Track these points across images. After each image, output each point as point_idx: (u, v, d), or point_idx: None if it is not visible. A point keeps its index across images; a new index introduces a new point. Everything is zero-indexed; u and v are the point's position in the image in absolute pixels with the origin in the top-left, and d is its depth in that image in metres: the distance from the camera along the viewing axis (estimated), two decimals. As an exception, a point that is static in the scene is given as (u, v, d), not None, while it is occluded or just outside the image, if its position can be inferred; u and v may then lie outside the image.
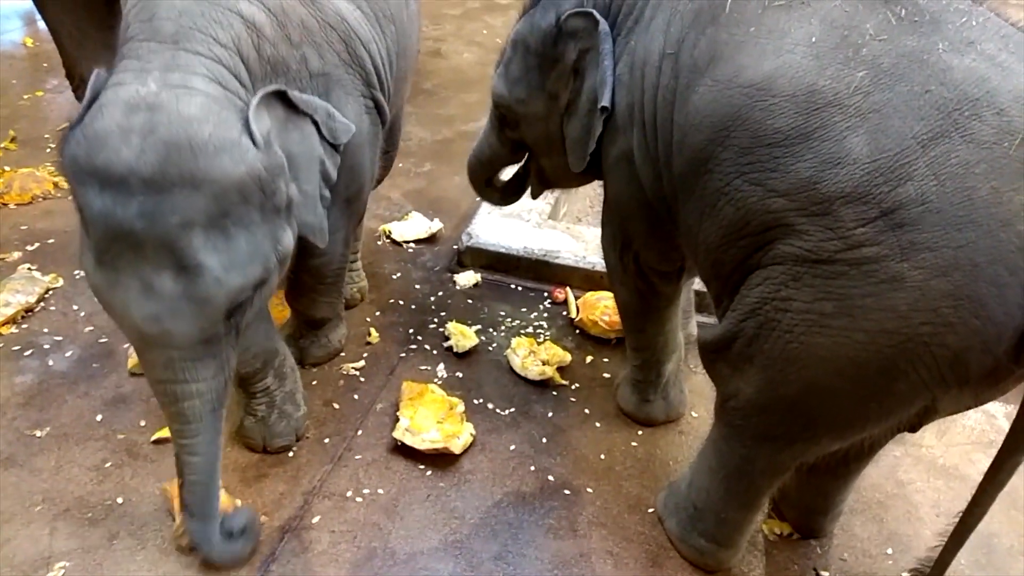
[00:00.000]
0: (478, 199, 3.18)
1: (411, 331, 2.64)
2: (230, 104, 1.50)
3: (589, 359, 2.55)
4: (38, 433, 2.20)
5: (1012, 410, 2.43)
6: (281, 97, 1.62)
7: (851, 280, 1.33)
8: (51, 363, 2.43)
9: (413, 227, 3.11)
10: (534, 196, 2.39)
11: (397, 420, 2.23)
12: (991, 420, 2.40)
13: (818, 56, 1.39)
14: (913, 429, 1.57)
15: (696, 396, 2.41)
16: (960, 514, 1.58)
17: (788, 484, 1.88)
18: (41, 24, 4.44)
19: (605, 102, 1.80)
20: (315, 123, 1.70)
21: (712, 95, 1.51)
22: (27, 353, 2.46)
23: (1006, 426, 2.35)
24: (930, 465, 2.24)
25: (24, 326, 2.57)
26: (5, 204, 3.14)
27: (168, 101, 1.42)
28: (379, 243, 3.06)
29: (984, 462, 2.23)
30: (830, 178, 1.33)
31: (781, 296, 1.44)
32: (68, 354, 2.46)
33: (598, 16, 1.82)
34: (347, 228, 2.16)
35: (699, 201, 1.59)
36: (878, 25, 1.38)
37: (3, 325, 2.55)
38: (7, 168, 3.32)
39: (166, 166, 1.38)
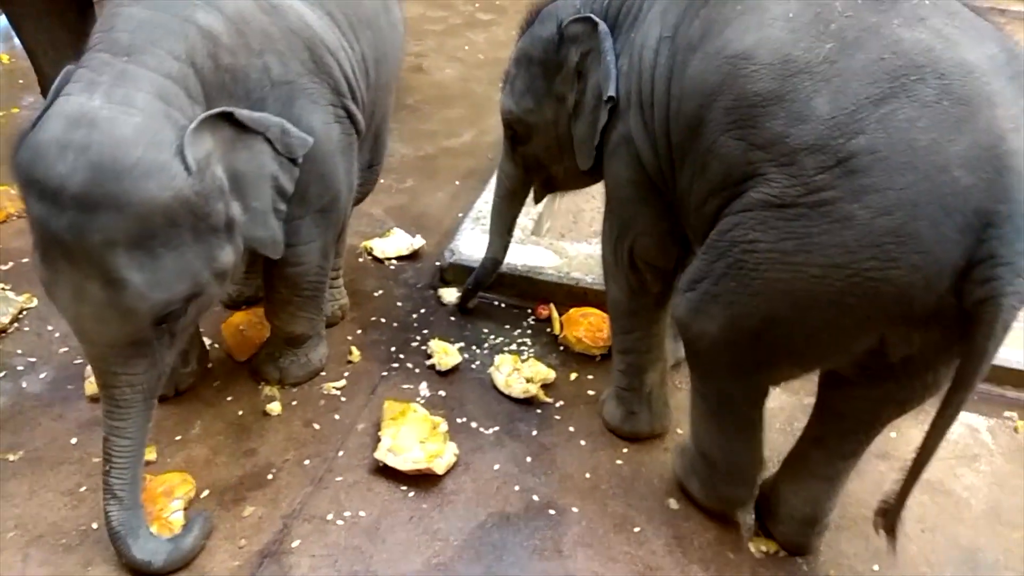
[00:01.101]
0: (460, 215, 3.18)
1: (393, 349, 2.61)
2: (169, 124, 1.55)
3: (573, 376, 2.54)
4: (11, 457, 2.15)
5: (994, 423, 2.46)
6: (228, 118, 1.63)
7: (810, 220, 1.51)
8: (24, 385, 2.38)
9: (395, 243, 3.08)
10: (537, 201, 2.60)
11: (379, 440, 2.19)
12: (975, 434, 2.40)
13: (793, 30, 1.58)
14: (878, 377, 1.70)
15: (682, 413, 2.39)
16: (915, 452, 1.70)
17: (774, 498, 2.02)
18: (17, 41, 4.39)
19: (611, 92, 1.94)
20: (268, 140, 1.72)
21: (703, 65, 1.69)
22: (1, 375, 2.41)
23: (989, 440, 2.37)
24: (915, 480, 2.24)
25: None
26: (-20, 223, 3.09)
27: (106, 119, 1.49)
28: (360, 260, 3.04)
29: (968, 476, 2.25)
30: (796, 132, 1.52)
31: (749, 239, 1.61)
32: (42, 376, 2.41)
33: (597, 19, 1.98)
34: (323, 239, 2.14)
35: (692, 164, 1.76)
36: (845, 3, 1.57)
37: (-25, 347, 2.50)
38: (-18, 187, 3.27)
39: (92, 187, 1.46)
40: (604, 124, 1.98)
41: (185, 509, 2.00)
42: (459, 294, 2.81)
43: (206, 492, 2.08)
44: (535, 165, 2.38)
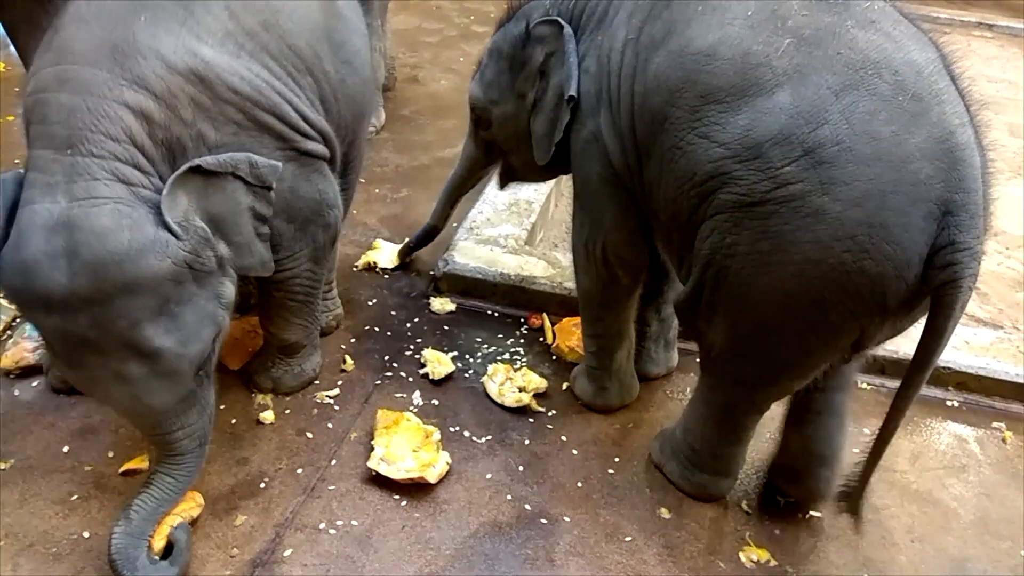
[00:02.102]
0: (455, 225, 3.20)
1: (387, 358, 2.62)
2: (138, 201, 1.61)
3: (566, 385, 2.55)
4: (2, 466, 2.15)
5: (983, 434, 2.48)
6: (196, 170, 1.68)
7: (781, 218, 1.56)
8: (17, 393, 2.38)
9: (391, 253, 3.08)
10: (500, 187, 2.66)
11: (372, 449, 2.20)
12: (963, 445, 2.42)
13: (752, 27, 1.64)
14: (845, 361, 1.83)
15: (659, 408, 2.43)
16: (879, 429, 1.79)
17: (790, 457, 2.09)
18: (12, 49, 4.40)
19: (572, 91, 2.01)
20: (239, 176, 1.77)
21: (667, 63, 1.75)
22: (-8, 384, 2.41)
23: (977, 451, 2.39)
24: (903, 490, 2.26)
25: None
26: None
27: (80, 218, 1.54)
28: (354, 269, 3.04)
29: (957, 487, 2.27)
30: (760, 125, 1.57)
31: (727, 243, 1.66)
32: (35, 384, 2.41)
33: (563, 23, 2.05)
34: (312, 245, 2.15)
35: (658, 159, 1.81)
36: (801, 3, 1.65)
37: (-33, 354, 2.49)
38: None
39: (100, 283, 1.53)
40: (569, 123, 2.05)
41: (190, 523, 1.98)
42: (452, 302, 2.86)
43: (198, 501, 2.08)
44: (495, 150, 2.47)
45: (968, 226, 1.51)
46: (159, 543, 1.87)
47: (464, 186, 2.72)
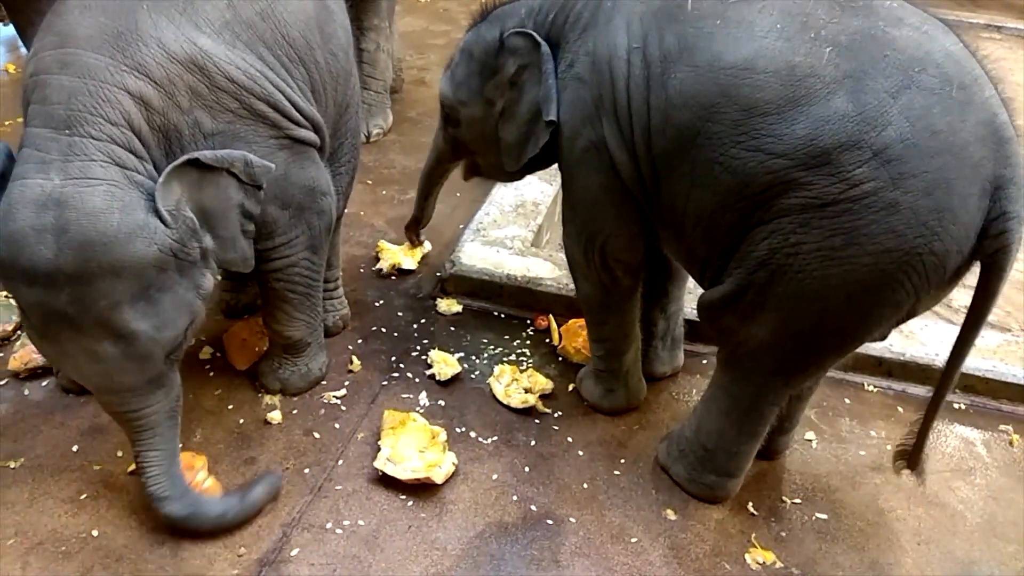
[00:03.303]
0: (461, 226, 3.21)
1: (393, 359, 2.62)
2: (131, 185, 1.64)
3: (572, 387, 2.55)
4: (12, 464, 2.16)
5: (990, 436, 2.47)
6: (193, 163, 1.71)
7: (855, 214, 1.63)
8: (27, 392, 2.40)
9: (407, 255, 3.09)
10: (465, 178, 2.66)
11: (378, 449, 2.21)
12: (970, 447, 2.42)
13: (788, 39, 1.68)
14: (883, 336, 1.92)
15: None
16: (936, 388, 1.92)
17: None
18: (23, 51, 4.43)
19: (551, 116, 2.03)
20: (233, 173, 1.81)
21: (695, 78, 1.75)
22: (2, 383, 2.43)
23: (984, 453, 2.39)
24: (910, 493, 2.25)
25: (0, 355, 2.53)
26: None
27: (73, 196, 1.56)
28: (361, 270, 3.06)
29: (964, 489, 2.27)
30: (826, 133, 1.62)
31: (791, 243, 1.71)
32: (44, 383, 2.43)
33: (538, 39, 2.04)
34: (308, 233, 2.17)
35: (688, 174, 1.82)
36: (827, 11, 1.69)
37: (-22, 354, 2.51)
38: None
39: (85, 261, 1.56)
40: (556, 131, 2.05)
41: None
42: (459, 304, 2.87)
43: (206, 500, 2.09)
44: (462, 147, 2.48)
45: (1016, 196, 1.64)
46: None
47: (433, 177, 2.72)
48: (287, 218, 2.08)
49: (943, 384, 1.89)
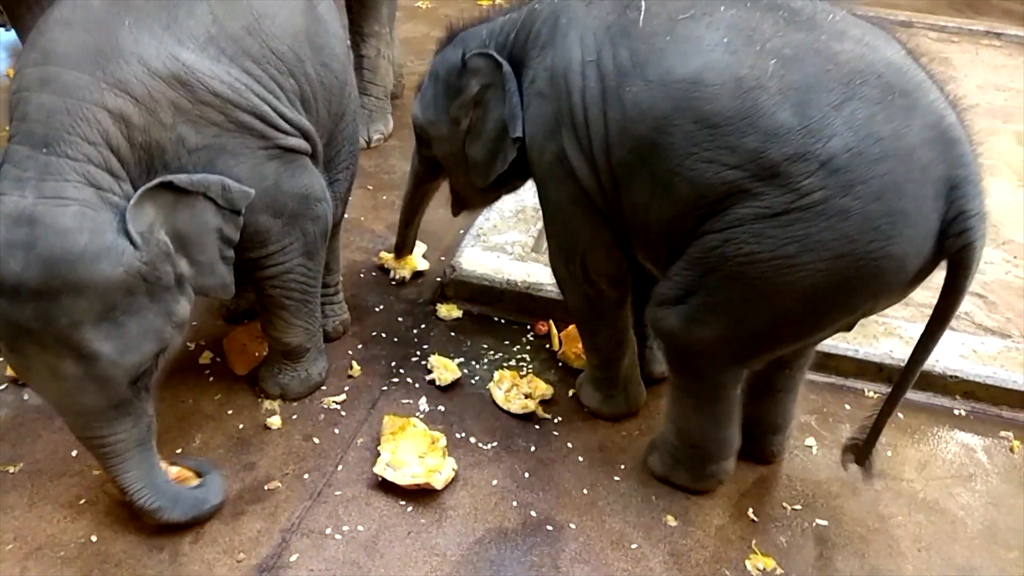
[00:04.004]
0: (462, 231, 3.21)
1: (393, 364, 2.62)
2: (104, 206, 1.65)
3: (572, 392, 2.55)
4: (11, 469, 2.16)
5: (990, 443, 2.47)
6: (167, 186, 1.72)
7: (807, 222, 1.66)
8: (26, 397, 2.39)
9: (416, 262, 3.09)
10: (454, 214, 2.72)
11: (378, 455, 2.21)
12: (971, 454, 2.41)
13: (734, 52, 1.72)
14: (849, 328, 1.96)
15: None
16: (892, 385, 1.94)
17: (752, 427, 2.21)
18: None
19: (517, 133, 2.07)
20: (209, 198, 1.80)
21: (648, 92, 1.79)
22: (1, 387, 2.42)
23: (985, 460, 2.38)
24: (911, 499, 2.25)
25: (0, 359, 2.53)
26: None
27: (45, 214, 1.59)
28: (361, 275, 3.06)
29: (964, 496, 2.26)
30: (775, 146, 1.66)
31: (744, 252, 1.74)
32: (44, 388, 2.43)
33: (499, 59, 2.08)
34: (303, 239, 2.16)
35: (648, 182, 1.85)
36: (771, 26, 1.74)
37: (-22, 359, 2.51)
38: (-13, 199, 3.29)
39: (49, 278, 1.57)
40: (522, 148, 2.09)
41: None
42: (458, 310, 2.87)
43: (205, 505, 2.09)
44: (437, 168, 2.53)
45: (972, 194, 1.67)
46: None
47: (414, 201, 2.76)
48: (280, 226, 2.08)
49: (903, 380, 1.91)
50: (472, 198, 2.60)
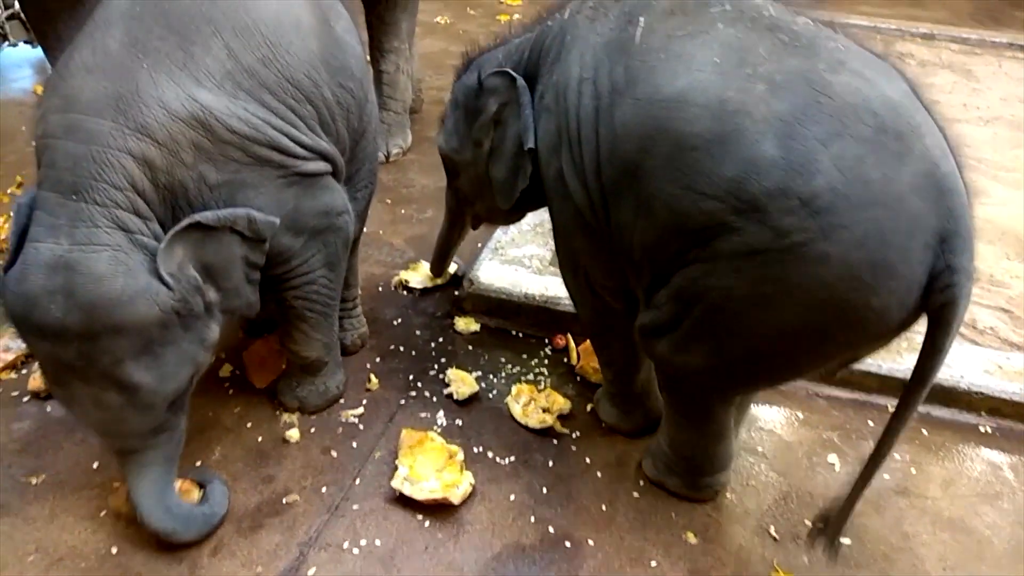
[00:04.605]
0: (480, 245, 3.21)
1: (411, 377, 2.63)
2: (135, 248, 1.72)
3: (590, 407, 2.53)
4: (33, 480, 2.18)
5: (1017, 460, 2.42)
6: (195, 225, 1.78)
7: (786, 264, 1.60)
8: (49, 409, 2.42)
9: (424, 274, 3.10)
10: (473, 227, 2.73)
11: (396, 469, 2.20)
12: (996, 472, 2.37)
13: (723, 73, 1.65)
14: (833, 374, 2.00)
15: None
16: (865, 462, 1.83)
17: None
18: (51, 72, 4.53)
19: (530, 143, 2.05)
20: (236, 231, 1.86)
21: (635, 111, 1.75)
22: (25, 399, 2.45)
23: (1012, 478, 2.34)
24: (936, 517, 2.21)
25: (24, 372, 2.56)
26: (9, 249, 3.16)
27: (80, 261, 1.66)
28: (379, 289, 3.07)
29: (991, 514, 2.22)
30: (754, 180, 1.58)
31: (724, 285, 1.69)
32: (66, 400, 2.45)
33: (514, 75, 2.08)
34: (324, 251, 2.18)
35: (632, 203, 1.81)
36: (768, 49, 1.67)
37: (3, 371, 2.54)
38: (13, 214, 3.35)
39: (90, 322, 1.65)
40: (536, 163, 2.08)
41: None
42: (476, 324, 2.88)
43: (225, 518, 2.09)
44: (465, 199, 2.53)
45: (962, 249, 1.59)
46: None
47: (451, 237, 2.77)
48: (302, 243, 2.10)
49: (883, 444, 1.79)
50: (498, 219, 2.61)
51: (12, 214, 1.77)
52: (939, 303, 1.60)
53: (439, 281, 3.09)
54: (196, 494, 2.08)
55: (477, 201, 2.48)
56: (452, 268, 3.09)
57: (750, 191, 1.58)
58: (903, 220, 1.55)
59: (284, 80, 1.94)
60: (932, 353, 1.66)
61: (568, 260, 2.20)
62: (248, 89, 1.87)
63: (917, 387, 1.70)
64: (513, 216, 2.52)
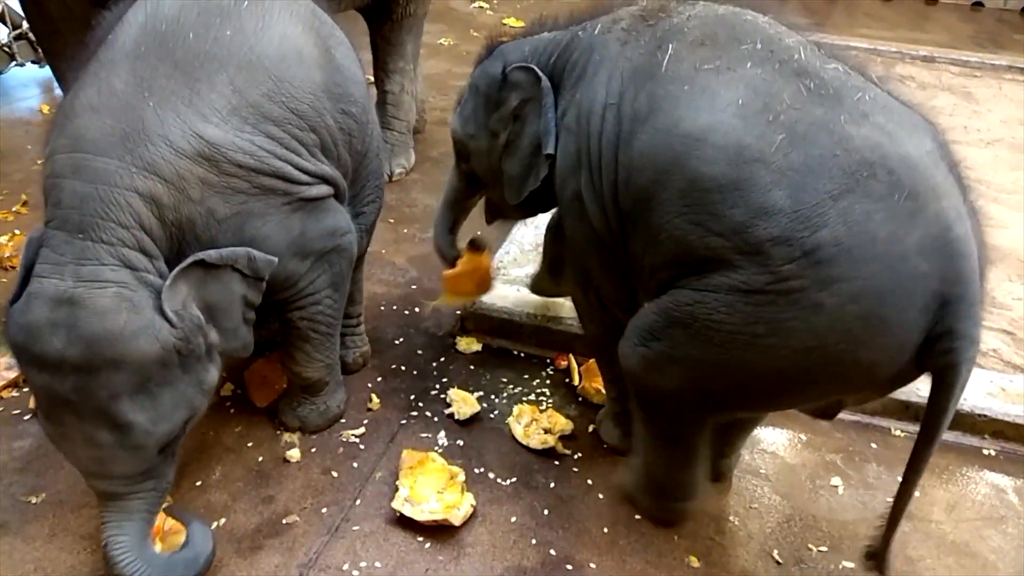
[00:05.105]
0: (482, 265, 3.21)
1: (412, 397, 2.62)
2: (140, 285, 1.72)
3: (592, 428, 2.52)
4: (33, 500, 2.18)
5: (1021, 484, 2.41)
6: (198, 263, 1.78)
7: (779, 307, 1.60)
8: (50, 428, 2.41)
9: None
10: (487, 222, 2.69)
11: (396, 490, 2.19)
12: (1001, 495, 2.35)
13: (745, 117, 1.65)
14: (827, 416, 1.92)
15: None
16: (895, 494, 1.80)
17: (718, 464, 2.24)
18: (58, 92, 4.55)
19: (550, 150, 2.05)
20: (236, 269, 1.86)
21: (654, 141, 1.76)
22: (27, 417, 2.45)
23: (1016, 501, 2.32)
24: (940, 541, 2.19)
25: (25, 390, 2.55)
26: (15, 267, 3.17)
27: (84, 296, 1.66)
28: (381, 308, 3.07)
29: (996, 538, 2.20)
30: (761, 225, 1.59)
31: (714, 319, 1.69)
32: (67, 418, 2.44)
33: (540, 73, 2.07)
34: (330, 272, 2.19)
35: (644, 233, 1.82)
36: (792, 95, 1.66)
37: (4, 389, 2.54)
38: (17, 231, 3.36)
39: (90, 355, 1.64)
40: (550, 177, 2.09)
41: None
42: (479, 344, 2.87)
43: (223, 538, 2.08)
44: (476, 182, 2.52)
45: (965, 315, 1.58)
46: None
47: (452, 215, 2.67)
48: (308, 266, 2.11)
49: (901, 498, 1.78)
50: (508, 213, 2.60)
51: (23, 248, 1.77)
52: (939, 365, 1.61)
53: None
54: (182, 537, 1.95)
55: (488, 188, 2.48)
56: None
57: (756, 235, 1.60)
58: (904, 279, 1.55)
59: (288, 111, 1.96)
60: (935, 413, 1.67)
61: (579, 276, 2.20)
62: (253, 123, 1.89)
63: (924, 446, 1.71)
64: (524, 212, 2.50)
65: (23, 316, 1.67)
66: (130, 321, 1.67)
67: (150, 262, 1.77)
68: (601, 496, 2.29)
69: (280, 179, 1.95)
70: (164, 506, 2.03)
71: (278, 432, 2.44)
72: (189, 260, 1.77)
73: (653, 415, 2.02)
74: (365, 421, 2.51)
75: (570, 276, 2.26)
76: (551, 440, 2.42)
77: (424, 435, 2.47)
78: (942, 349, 1.59)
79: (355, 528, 2.14)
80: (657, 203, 1.75)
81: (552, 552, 2.11)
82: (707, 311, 1.70)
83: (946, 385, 1.63)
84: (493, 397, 2.63)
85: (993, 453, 2.50)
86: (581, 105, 1.96)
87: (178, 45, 1.84)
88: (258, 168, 1.89)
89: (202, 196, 1.81)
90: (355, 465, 2.35)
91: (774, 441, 2.50)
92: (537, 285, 2.88)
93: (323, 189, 2.10)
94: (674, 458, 2.06)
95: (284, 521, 2.15)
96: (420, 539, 2.11)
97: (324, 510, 2.19)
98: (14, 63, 5.05)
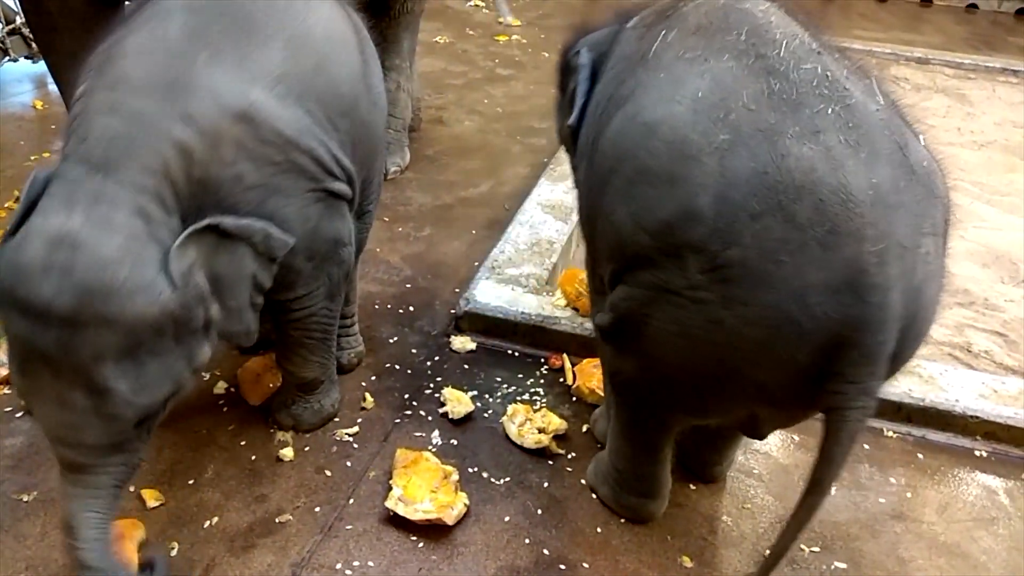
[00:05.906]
0: (476, 263, 3.22)
1: (407, 396, 2.62)
2: (151, 241, 1.61)
3: (586, 428, 2.53)
4: (25, 498, 2.17)
5: (1012, 485, 2.42)
6: (213, 228, 1.70)
7: (689, 312, 1.62)
8: (42, 425, 2.40)
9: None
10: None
11: (390, 489, 2.19)
12: (992, 496, 2.37)
13: (697, 111, 1.59)
14: (756, 434, 1.95)
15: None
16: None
17: (687, 444, 2.26)
18: (51, 87, 4.52)
19: (571, 121, 2.08)
20: (251, 245, 1.79)
21: (620, 127, 1.76)
22: (18, 415, 2.44)
23: (1007, 503, 2.34)
24: (931, 542, 2.20)
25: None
26: (6, 263, 3.15)
27: (89, 240, 1.53)
28: (375, 306, 3.07)
29: (986, 539, 2.21)
30: (684, 228, 1.57)
31: (643, 312, 1.73)
32: (60, 416, 2.43)
33: (585, 58, 2.11)
34: (328, 284, 2.17)
35: (600, 221, 1.84)
36: (753, 94, 1.56)
37: (-4, 385, 2.52)
38: (10, 228, 3.34)
39: (80, 307, 1.50)
40: (574, 161, 2.16)
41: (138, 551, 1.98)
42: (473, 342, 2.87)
43: (216, 537, 2.08)
44: None
45: (860, 363, 1.51)
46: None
47: None
48: (310, 269, 2.08)
49: (778, 548, 1.73)
50: None
51: (26, 186, 1.63)
52: (827, 405, 1.58)
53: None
54: (134, 561, 1.88)
55: None
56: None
57: (678, 238, 1.59)
58: (799, 316, 1.49)
59: (331, 90, 1.96)
60: (821, 461, 1.62)
61: (589, 260, 2.22)
62: (298, 94, 1.86)
63: (811, 496, 1.65)
64: None
65: (15, 253, 1.53)
66: (131, 277, 1.54)
67: (166, 216, 1.66)
68: (595, 496, 2.29)
69: (312, 160, 1.92)
70: (139, 539, 2.01)
71: (272, 431, 2.44)
72: (204, 222, 1.68)
73: (621, 402, 2.06)
74: (359, 420, 2.50)
75: (584, 259, 2.29)
76: (545, 440, 2.42)
77: (418, 434, 2.46)
78: (832, 390, 1.55)
79: (348, 527, 2.14)
80: (610, 189, 1.76)
81: (546, 552, 2.11)
82: (637, 305, 1.74)
83: (833, 428, 1.58)
84: (487, 396, 2.63)
85: (985, 455, 2.51)
86: (597, 97, 2.01)
87: (232, 6, 1.83)
88: (295, 141, 1.85)
89: (235, 158, 1.75)
90: (349, 464, 2.34)
91: (767, 442, 2.51)
92: None
93: (344, 188, 2.08)
94: (637, 448, 2.09)
95: (277, 520, 2.15)
96: (413, 538, 2.11)
97: (317, 509, 2.19)
98: (7, 58, 5.02)
